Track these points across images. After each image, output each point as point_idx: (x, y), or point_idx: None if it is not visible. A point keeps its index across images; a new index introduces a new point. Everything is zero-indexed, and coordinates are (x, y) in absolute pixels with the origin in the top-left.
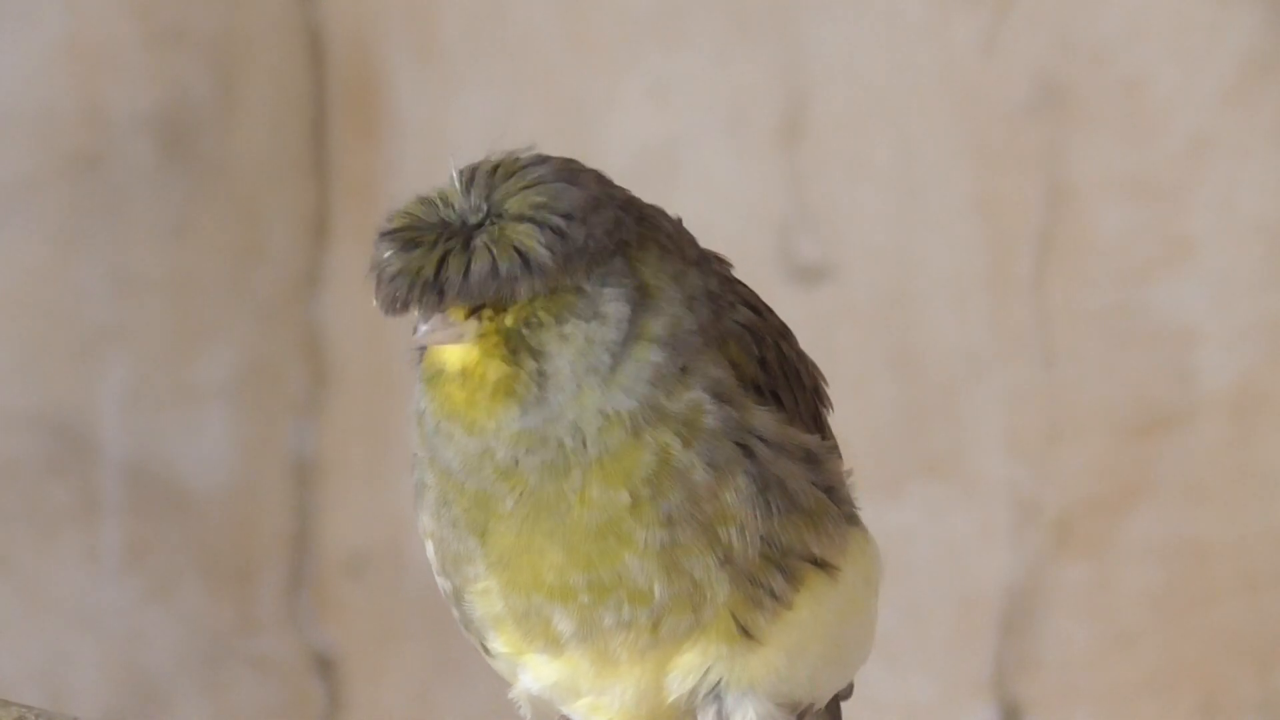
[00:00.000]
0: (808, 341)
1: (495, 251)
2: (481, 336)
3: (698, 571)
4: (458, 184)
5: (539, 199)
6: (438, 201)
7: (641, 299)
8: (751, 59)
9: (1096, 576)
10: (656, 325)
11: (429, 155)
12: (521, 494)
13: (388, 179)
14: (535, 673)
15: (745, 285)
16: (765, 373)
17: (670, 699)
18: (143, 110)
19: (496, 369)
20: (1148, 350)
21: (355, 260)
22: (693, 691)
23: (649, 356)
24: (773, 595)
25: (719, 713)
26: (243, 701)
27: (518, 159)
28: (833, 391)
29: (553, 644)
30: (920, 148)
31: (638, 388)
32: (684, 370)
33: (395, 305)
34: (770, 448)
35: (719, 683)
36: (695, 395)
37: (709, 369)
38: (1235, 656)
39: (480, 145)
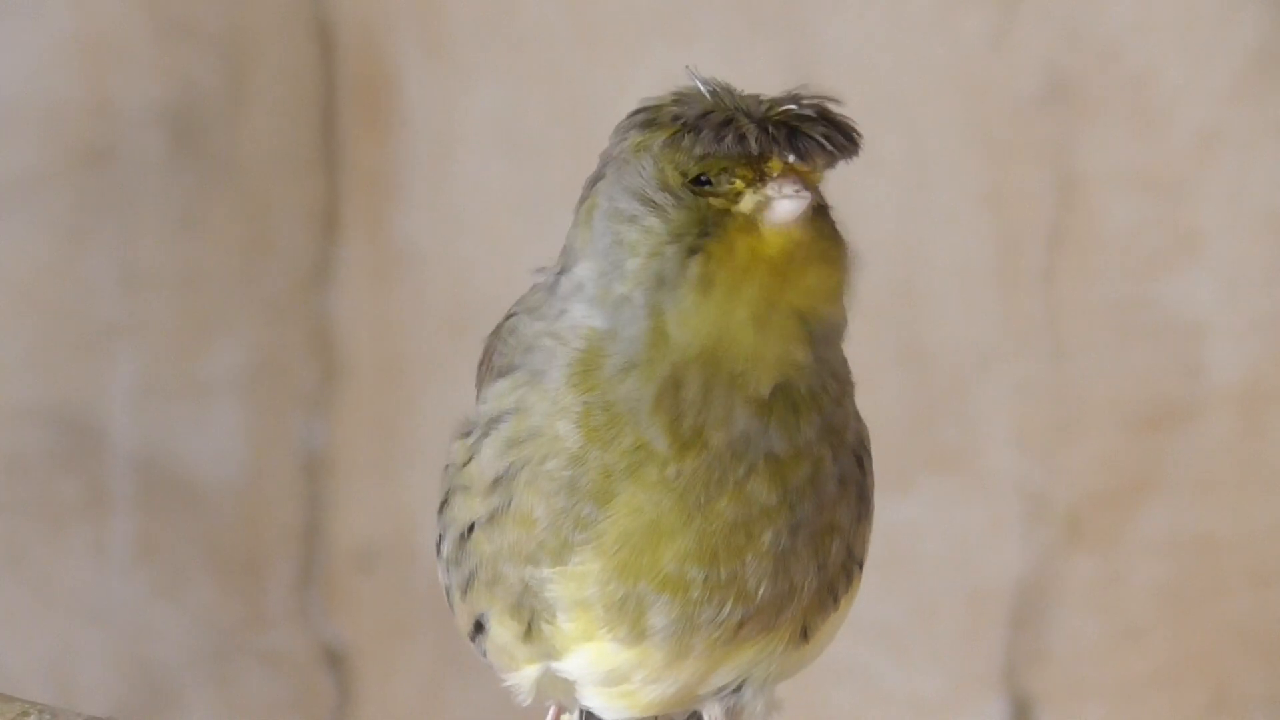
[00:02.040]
0: None
1: (848, 123)
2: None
3: (798, 577)
4: (706, 88)
5: (810, 98)
6: (708, 98)
7: None
8: (760, 52)
9: (1106, 570)
10: None
11: (438, 149)
12: (682, 468)
13: (397, 173)
14: (591, 659)
15: None
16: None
17: (705, 691)
18: (152, 104)
19: (845, 243)
20: (1157, 344)
21: (365, 254)
22: (724, 686)
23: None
24: (835, 600)
25: (735, 706)
26: (252, 696)
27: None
28: None
29: (636, 634)
30: (929, 142)
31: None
32: (843, 379)
33: (784, 159)
34: (869, 459)
35: (749, 676)
36: (850, 406)
37: (849, 376)
38: (1244, 650)
39: (490, 138)
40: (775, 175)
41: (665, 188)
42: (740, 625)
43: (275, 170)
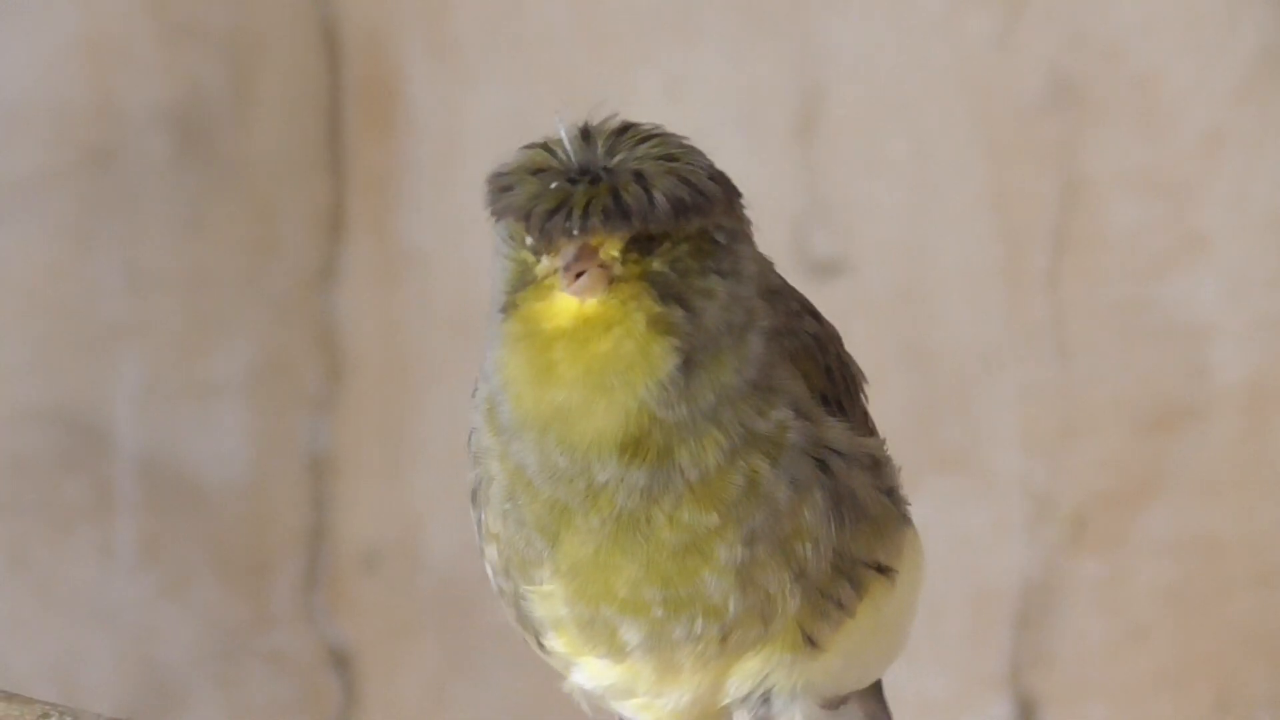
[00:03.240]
0: None
1: (649, 181)
2: (626, 281)
3: (772, 586)
4: (569, 138)
5: (674, 149)
6: (555, 150)
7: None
8: (766, 54)
9: (1111, 571)
10: (759, 303)
11: (444, 151)
12: (607, 515)
13: (403, 174)
14: (591, 673)
15: (795, 289)
16: (831, 383)
17: (724, 703)
18: (157, 105)
19: (648, 311)
20: (1162, 345)
21: (371, 255)
22: (747, 695)
23: (753, 344)
24: (839, 605)
25: (765, 716)
26: (258, 697)
27: (620, 122)
28: None
29: (616, 651)
30: (934, 143)
31: (754, 365)
32: (770, 387)
33: (566, 234)
34: (844, 460)
35: (773, 686)
36: (780, 414)
37: (790, 384)
38: (1249, 651)
39: (496, 140)
40: (563, 247)
41: (507, 238)
42: (724, 638)
43: (281, 172)
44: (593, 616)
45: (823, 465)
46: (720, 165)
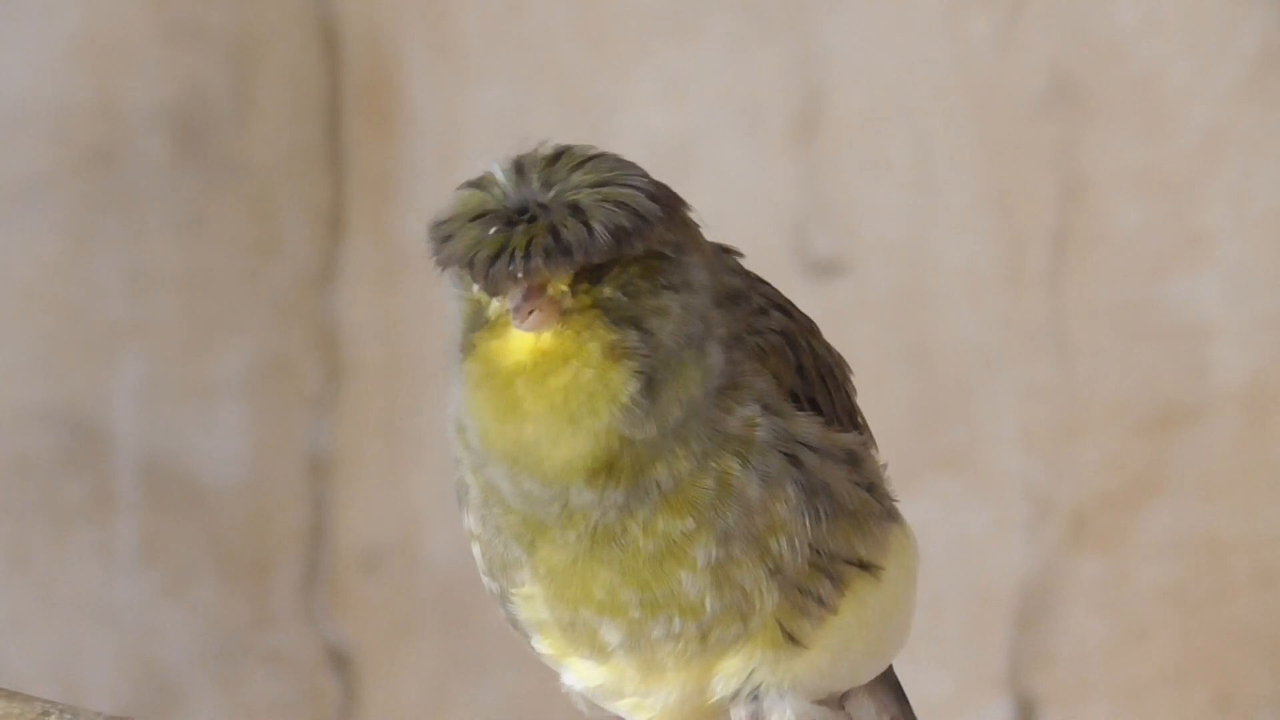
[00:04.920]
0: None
1: (587, 215)
2: (578, 312)
3: (748, 584)
4: (503, 173)
5: (609, 172)
6: (491, 189)
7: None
8: (766, 54)
9: (1111, 571)
10: (716, 312)
11: (444, 150)
12: (583, 530)
13: (403, 174)
14: (579, 674)
15: (766, 282)
16: (803, 379)
17: (713, 700)
18: (158, 105)
19: (602, 339)
20: (1163, 345)
21: (371, 255)
22: (735, 692)
23: (713, 352)
24: (819, 601)
25: (756, 713)
26: (258, 696)
27: (573, 150)
28: None
29: (599, 651)
30: (935, 143)
31: (718, 376)
32: (735, 385)
33: (511, 278)
34: (816, 454)
35: (760, 684)
36: (748, 410)
37: (755, 381)
38: (1250, 651)
39: (495, 140)
40: (511, 291)
41: (457, 282)
42: (703, 636)
43: (281, 172)
44: (573, 619)
45: (794, 460)
46: (719, 167)
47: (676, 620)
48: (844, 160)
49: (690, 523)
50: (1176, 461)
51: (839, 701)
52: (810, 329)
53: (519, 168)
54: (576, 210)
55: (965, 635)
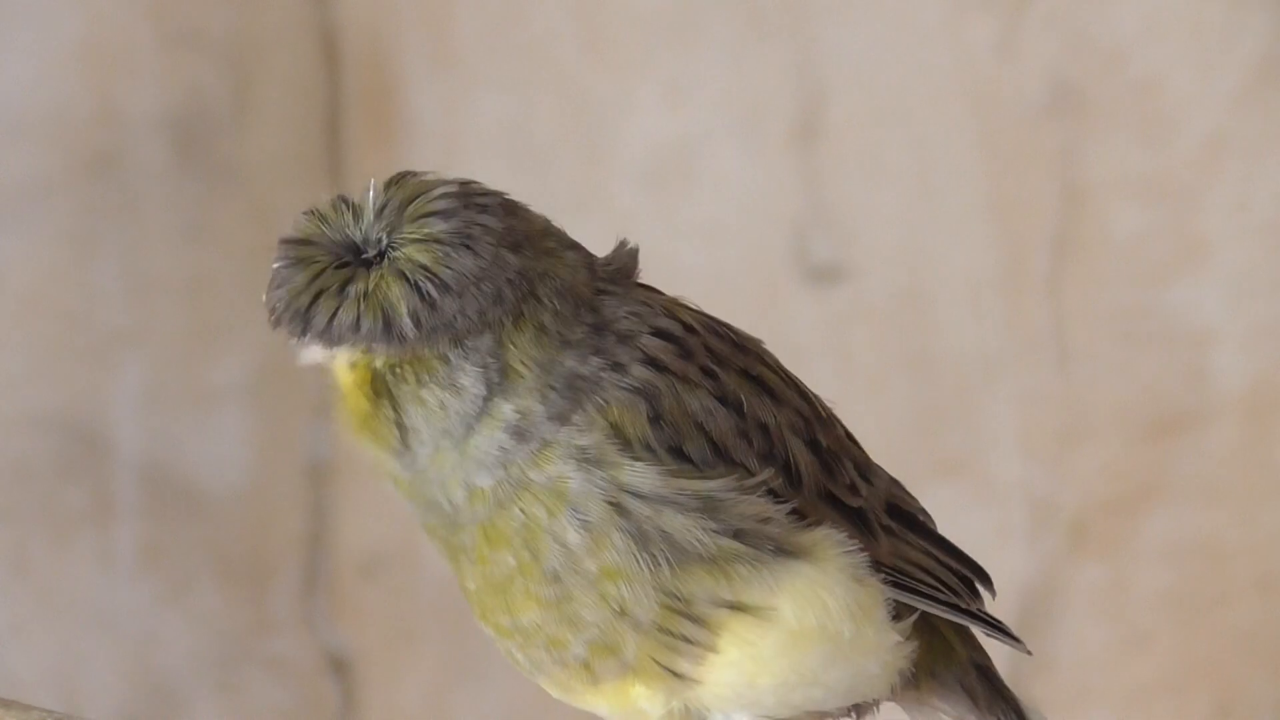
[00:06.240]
0: (822, 342)
1: (362, 306)
2: (354, 366)
3: (601, 623)
4: (373, 203)
5: (425, 259)
6: (348, 214)
7: (501, 381)
8: (766, 60)
9: (1111, 577)
10: (507, 410)
11: (444, 156)
12: (455, 544)
13: None
14: (539, 682)
15: (665, 306)
16: (659, 428)
17: (655, 716)
18: (158, 112)
19: (361, 406)
20: (1163, 351)
21: None
22: (670, 712)
23: (496, 438)
24: (688, 641)
25: None
26: (257, 703)
27: (435, 195)
28: (847, 392)
29: (523, 668)
30: (935, 149)
31: (490, 464)
32: (545, 444)
33: (270, 319)
34: (648, 503)
35: (692, 706)
36: (557, 468)
37: (574, 439)
38: (1250, 657)
39: (495, 146)
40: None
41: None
42: (587, 666)
43: (281, 177)
44: (494, 636)
45: (619, 508)
46: (720, 172)
47: (552, 649)
48: (844, 166)
49: (510, 558)
50: (1176, 467)
51: (848, 710)
52: (689, 380)
53: (356, 210)
54: (386, 295)
55: None
